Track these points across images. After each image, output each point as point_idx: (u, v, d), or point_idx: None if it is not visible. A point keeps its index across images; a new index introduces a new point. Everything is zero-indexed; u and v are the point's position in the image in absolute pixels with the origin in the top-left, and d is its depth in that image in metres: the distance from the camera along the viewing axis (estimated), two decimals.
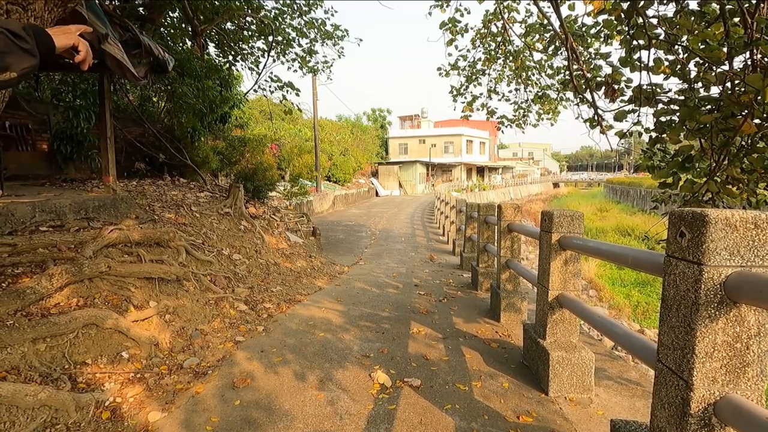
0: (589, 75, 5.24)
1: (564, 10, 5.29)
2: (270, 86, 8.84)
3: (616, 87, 4.79)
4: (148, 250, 4.14)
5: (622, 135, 4.63)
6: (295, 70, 9.64)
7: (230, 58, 9.65)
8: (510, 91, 7.82)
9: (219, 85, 9.74)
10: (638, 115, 4.35)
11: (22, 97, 7.46)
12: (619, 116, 4.28)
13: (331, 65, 10.29)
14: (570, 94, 6.97)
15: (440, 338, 3.88)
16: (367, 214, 19.87)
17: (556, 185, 68.58)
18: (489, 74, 7.87)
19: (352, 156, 32.36)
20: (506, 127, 7.97)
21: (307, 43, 9.29)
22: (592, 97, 5.33)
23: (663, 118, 4.08)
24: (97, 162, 7.10)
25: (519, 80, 7.73)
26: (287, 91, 8.59)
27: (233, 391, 2.78)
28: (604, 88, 4.91)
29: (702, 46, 3.74)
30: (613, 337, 2.09)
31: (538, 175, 69.92)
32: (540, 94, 7.50)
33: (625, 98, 4.46)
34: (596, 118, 5.51)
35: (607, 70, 5.10)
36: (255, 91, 9.21)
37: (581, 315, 2.60)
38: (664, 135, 4.08)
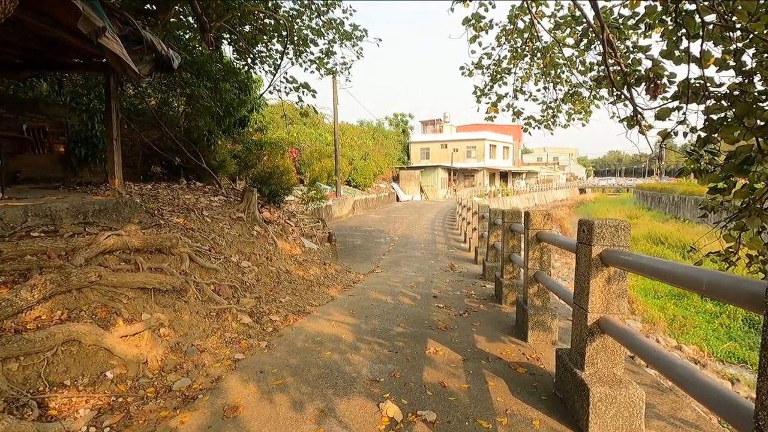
0: (626, 70, 4.76)
1: (599, 1, 4.83)
2: (285, 87, 8.61)
3: (658, 82, 4.31)
4: (147, 257, 3.89)
5: (665, 135, 4.12)
6: (312, 71, 9.39)
7: (248, 61, 9.50)
8: (538, 90, 7.34)
9: (237, 89, 9.60)
10: (683, 113, 3.86)
11: (42, 100, 7.48)
12: (662, 114, 3.81)
13: (350, 66, 10.01)
14: (604, 92, 6.46)
15: (460, 360, 3.47)
16: (386, 219, 19.50)
17: (582, 191, 66.73)
18: (515, 73, 7.43)
19: (372, 160, 32.11)
20: (533, 128, 7.50)
21: (324, 44, 9.04)
22: (630, 94, 4.85)
23: (715, 116, 3.60)
24: None
25: (547, 78, 7.25)
26: (303, 92, 8.33)
27: (222, 422, 2.44)
28: (644, 83, 4.43)
29: (766, 31, 3.27)
30: (678, 381, 1.66)
31: (563, 180, 68.09)
32: (571, 92, 7.00)
33: (668, 95, 4.00)
34: (635, 116, 5.01)
35: (647, 64, 4.63)
36: (270, 92, 9.00)
37: (630, 346, 2.15)
38: (716, 134, 3.60)
